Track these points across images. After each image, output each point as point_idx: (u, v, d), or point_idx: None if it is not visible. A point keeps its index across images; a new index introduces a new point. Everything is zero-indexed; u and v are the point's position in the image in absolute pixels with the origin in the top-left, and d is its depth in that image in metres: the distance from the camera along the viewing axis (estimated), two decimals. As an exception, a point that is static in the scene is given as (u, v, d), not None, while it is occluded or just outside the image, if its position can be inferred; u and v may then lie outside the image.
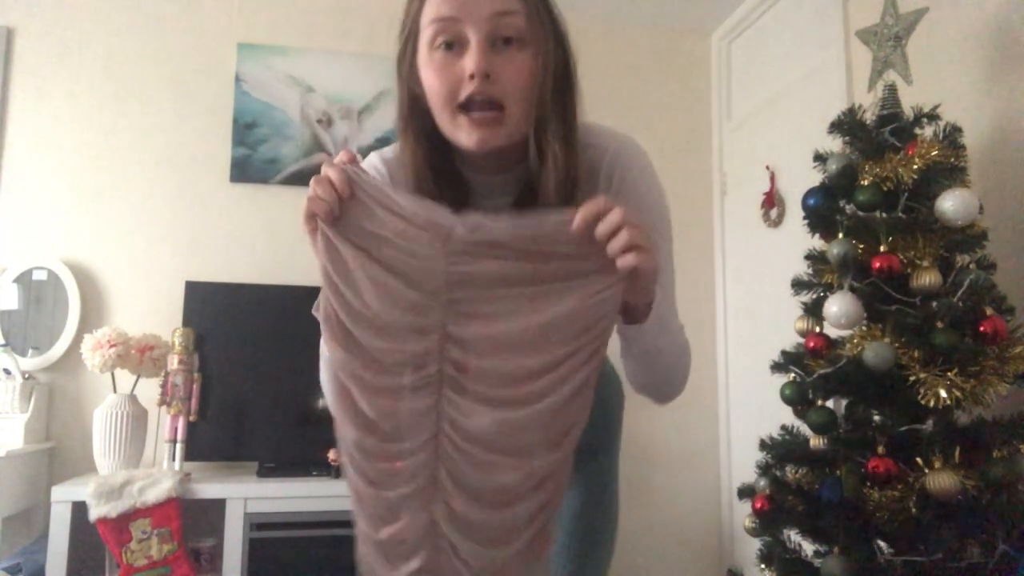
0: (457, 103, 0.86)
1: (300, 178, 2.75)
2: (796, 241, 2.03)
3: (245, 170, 2.75)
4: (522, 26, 0.86)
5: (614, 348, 1.22)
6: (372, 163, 1.00)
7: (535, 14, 0.87)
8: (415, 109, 0.92)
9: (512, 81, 0.85)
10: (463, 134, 0.87)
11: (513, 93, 0.85)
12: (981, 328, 1.45)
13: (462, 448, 0.80)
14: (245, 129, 2.77)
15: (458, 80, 0.85)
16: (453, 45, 0.86)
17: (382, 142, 2.72)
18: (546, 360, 0.78)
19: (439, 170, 0.92)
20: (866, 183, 1.61)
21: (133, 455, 2.33)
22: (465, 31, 0.85)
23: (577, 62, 0.94)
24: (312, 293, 0.84)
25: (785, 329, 1.87)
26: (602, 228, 0.75)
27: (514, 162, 0.92)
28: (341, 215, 0.80)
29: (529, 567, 0.82)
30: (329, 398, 0.88)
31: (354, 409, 0.81)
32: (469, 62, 0.84)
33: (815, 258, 1.74)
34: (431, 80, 0.87)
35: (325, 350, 0.86)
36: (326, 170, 0.80)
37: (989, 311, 1.47)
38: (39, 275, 2.58)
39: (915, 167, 1.55)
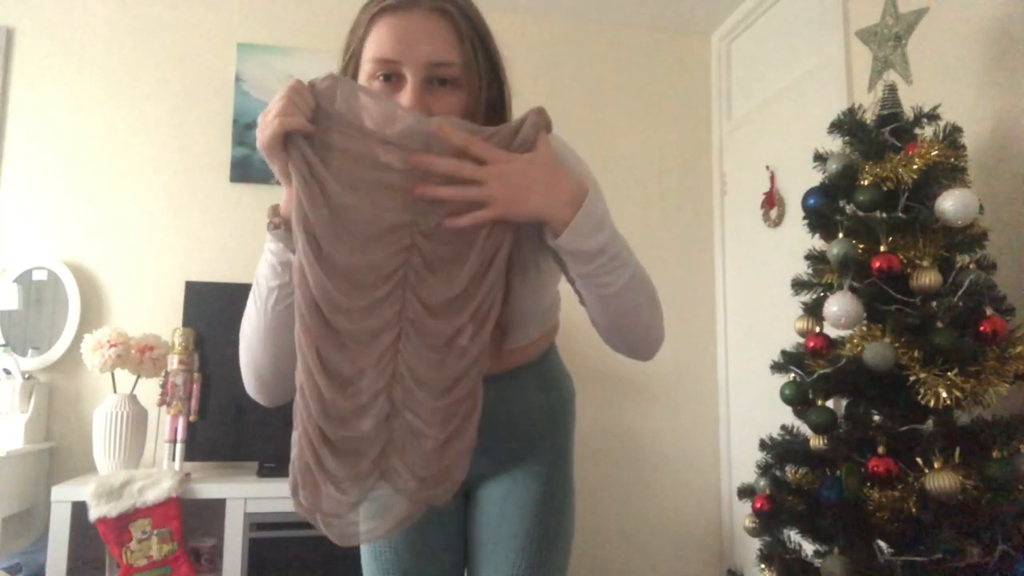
0: None
1: (300, 178, 2.75)
2: (796, 241, 2.03)
3: (245, 170, 2.75)
4: (457, 74, 0.91)
5: (566, 347, 1.23)
6: None
7: (471, 62, 0.92)
8: None
9: None
10: None
11: None
12: (981, 328, 1.45)
13: (416, 345, 0.88)
14: (245, 129, 2.77)
15: None
16: (391, 77, 0.91)
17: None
18: (477, 257, 0.87)
19: None
20: (866, 183, 1.61)
21: (133, 455, 2.33)
22: (403, 71, 0.90)
23: (512, 93, 0.99)
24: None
25: (785, 329, 1.87)
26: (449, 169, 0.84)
27: None
28: (314, 130, 0.83)
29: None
30: (263, 327, 0.94)
31: (326, 329, 0.85)
32: (404, 102, 0.89)
33: (815, 258, 1.74)
34: None
35: (262, 286, 0.93)
36: (290, 88, 0.83)
37: (989, 311, 1.47)
38: (39, 275, 2.58)
39: (915, 167, 1.55)
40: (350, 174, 0.84)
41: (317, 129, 0.83)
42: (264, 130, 0.82)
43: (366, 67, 0.92)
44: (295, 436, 0.90)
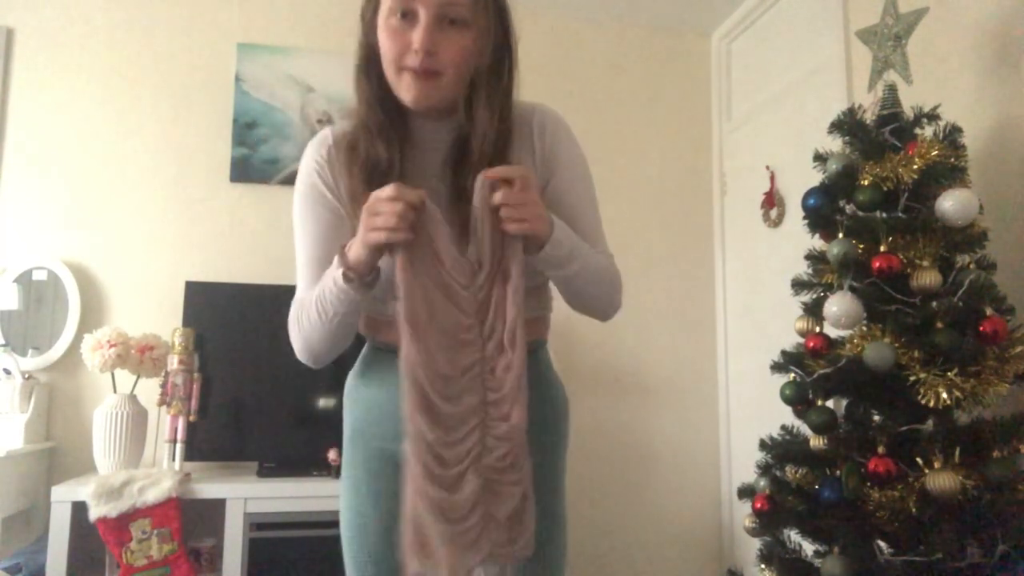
0: (401, 65, 1.03)
1: (300, 178, 2.75)
2: (796, 241, 2.03)
3: (245, 170, 2.75)
4: (467, 13, 1.02)
5: (567, 348, 1.26)
6: (323, 135, 1.16)
7: (480, 3, 1.03)
8: (371, 59, 1.08)
9: (451, 56, 1.02)
10: (404, 90, 1.04)
11: (450, 66, 1.02)
12: (981, 328, 1.45)
13: (495, 430, 1.03)
14: (245, 129, 2.77)
15: (406, 48, 1.02)
16: (407, 15, 1.02)
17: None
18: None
19: (387, 111, 1.08)
20: (866, 183, 1.61)
21: (133, 455, 2.32)
22: (417, 8, 1.01)
23: (518, 39, 1.10)
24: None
25: (785, 329, 1.87)
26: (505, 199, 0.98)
27: (448, 113, 1.09)
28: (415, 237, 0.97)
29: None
30: (325, 332, 1.08)
31: (429, 407, 0.99)
32: (416, 37, 1.00)
33: (815, 258, 1.74)
34: (385, 41, 1.04)
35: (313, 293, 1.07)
36: (400, 205, 0.95)
37: (989, 311, 1.47)
38: (39, 275, 2.58)
39: (915, 167, 1.55)
40: (434, 279, 1.00)
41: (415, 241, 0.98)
42: (372, 232, 0.95)
43: (385, 4, 1.03)
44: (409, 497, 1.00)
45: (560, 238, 1.04)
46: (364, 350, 1.24)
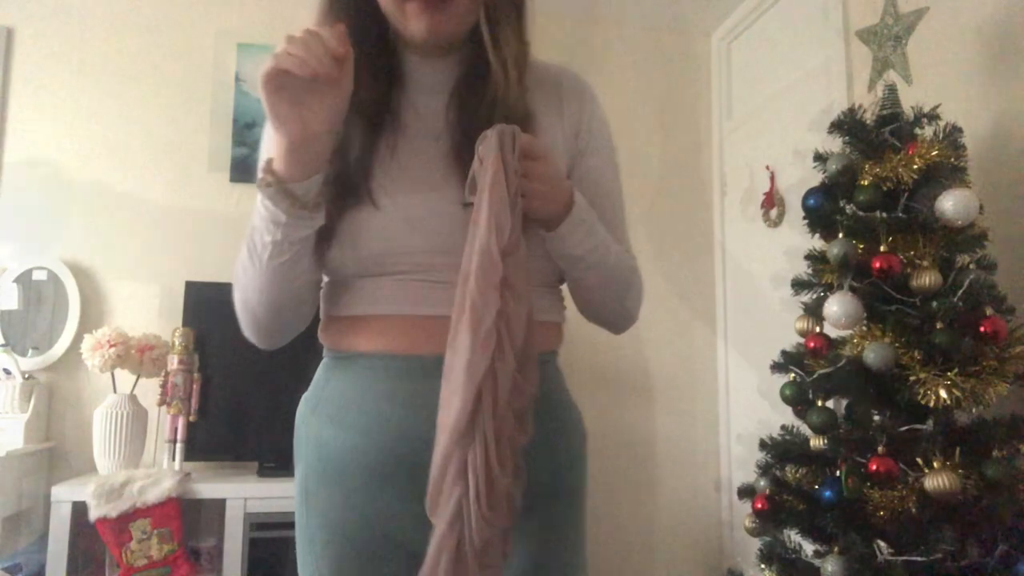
0: None
1: (300, 178, 2.76)
2: (796, 241, 2.03)
3: (245, 170, 2.75)
4: None
5: (567, 348, 1.18)
6: None
7: None
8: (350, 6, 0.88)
9: None
10: (410, 20, 0.84)
11: None
12: (981, 328, 1.45)
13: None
14: (245, 129, 2.76)
15: None
16: None
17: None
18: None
19: (368, 43, 0.87)
20: (866, 183, 1.60)
21: (133, 455, 2.33)
22: None
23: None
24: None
25: (785, 329, 1.87)
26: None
27: (451, 50, 0.90)
28: None
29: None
30: (260, 282, 0.92)
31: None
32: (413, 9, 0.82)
33: (815, 258, 1.74)
34: None
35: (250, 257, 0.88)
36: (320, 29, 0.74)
37: (989, 311, 1.47)
38: (39, 275, 2.58)
39: (915, 167, 1.55)
40: None
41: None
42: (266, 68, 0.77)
43: None
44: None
45: (581, 218, 0.87)
46: (321, 368, 0.98)
